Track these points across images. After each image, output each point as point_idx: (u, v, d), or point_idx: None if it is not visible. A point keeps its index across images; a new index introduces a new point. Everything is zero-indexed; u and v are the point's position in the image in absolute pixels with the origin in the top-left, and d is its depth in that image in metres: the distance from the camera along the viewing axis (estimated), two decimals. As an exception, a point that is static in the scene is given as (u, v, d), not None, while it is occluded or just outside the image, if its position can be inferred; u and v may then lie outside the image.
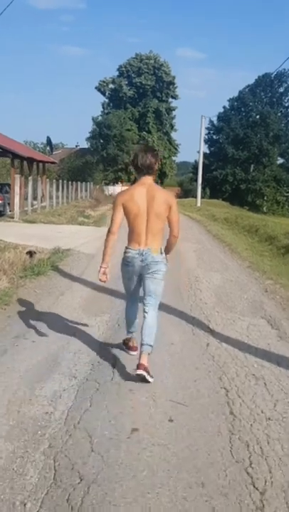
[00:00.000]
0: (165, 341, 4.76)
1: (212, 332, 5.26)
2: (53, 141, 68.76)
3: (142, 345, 3.77)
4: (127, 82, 56.66)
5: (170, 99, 58.80)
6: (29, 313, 5.64)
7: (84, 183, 35.92)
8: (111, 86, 57.13)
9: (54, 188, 23.52)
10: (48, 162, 27.01)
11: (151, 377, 3.67)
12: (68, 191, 29.14)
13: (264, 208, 58.32)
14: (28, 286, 6.90)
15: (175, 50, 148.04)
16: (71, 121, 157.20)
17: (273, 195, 60.14)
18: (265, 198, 60.20)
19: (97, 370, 3.98)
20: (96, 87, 57.05)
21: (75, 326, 5.23)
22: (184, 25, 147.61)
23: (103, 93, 57.67)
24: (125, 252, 4.16)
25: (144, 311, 4.03)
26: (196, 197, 38.26)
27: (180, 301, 6.55)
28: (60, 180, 25.86)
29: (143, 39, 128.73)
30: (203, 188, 43.66)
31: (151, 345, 3.77)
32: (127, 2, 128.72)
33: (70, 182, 30.18)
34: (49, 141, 31.45)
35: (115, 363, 4.13)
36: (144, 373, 3.62)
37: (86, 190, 36.26)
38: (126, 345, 4.42)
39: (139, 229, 3.97)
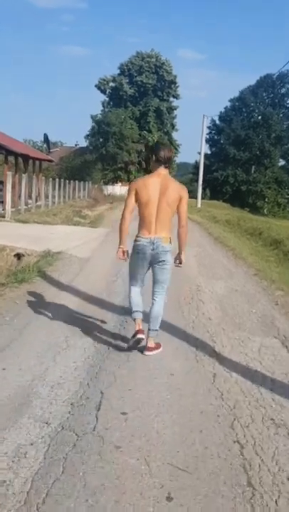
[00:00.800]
0: (164, 371, 3.95)
1: (218, 357, 4.45)
2: (53, 140, 68.12)
3: (149, 330, 4.33)
4: (128, 81, 55.83)
5: (171, 99, 57.94)
6: (2, 331, 4.82)
7: (82, 182, 35.08)
8: (111, 84, 56.26)
9: (50, 186, 22.69)
10: (44, 160, 26.16)
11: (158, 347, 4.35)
12: (65, 190, 28.32)
13: (265, 210, 57.58)
14: (8, 296, 6.07)
15: (176, 51, 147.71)
16: (71, 120, 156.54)
17: (274, 197, 59.40)
18: (266, 200, 59.47)
19: (77, 412, 3.16)
20: (96, 85, 56.18)
21: (57, 348, 4.41)
22: (184, 27, 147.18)
23: (103, 91, 56.81)
24: (136, 241, 4.31)
25: (153, 299, 4.45)
26: (196, 198, 37.44)
27: (180, 316, 5.74)
28: (57, 179, 25.00)
29: (143, 39, 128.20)
30: (203, 189, 42.86)
31: (157, 330, 4.38)
32: (128, 2, 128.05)
33: (67, 181, 29.36)
34: (46, 139, 30.55)
35: (100, 402, 3.31)
36: (151, 353, 4.24)
37: (84, 190, 35.44)
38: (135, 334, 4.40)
39: (149, 216, 4.17)
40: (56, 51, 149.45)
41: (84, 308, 5.79)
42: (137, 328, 4.31)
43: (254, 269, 9.33)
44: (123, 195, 47.24)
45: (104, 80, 56.16)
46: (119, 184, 52.16)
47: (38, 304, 5.90)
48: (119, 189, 49.64)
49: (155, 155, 4.23)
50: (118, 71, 56.66)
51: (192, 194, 44.19)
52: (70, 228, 14.78)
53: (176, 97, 58.05)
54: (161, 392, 3.52)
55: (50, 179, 23.13)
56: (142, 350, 4.36)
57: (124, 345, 4.52)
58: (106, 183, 47.73)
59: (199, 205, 35.51)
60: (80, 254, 9.83)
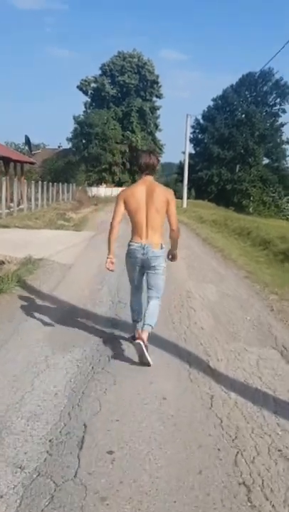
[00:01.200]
0: (155, 394, 3.53)
1: (214, 373, 4.05)
2: (36, 142, 67.37)
3: (143, 324, 4.26)
4: (110, 81, 55.35)
5: (154, 98, 57.58)
6: (-24, 351, 4.37)
7: (66, 184, 34.54)
8: (93, 85, 55.71)
9: (33, 189, 22.15)
10: (26, 162, 25.58)
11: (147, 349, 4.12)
12: (49, 193, 27.78)
13: (250, 209, 57.38)
14: (-16, 310, 5.62)
15: (159, 52, 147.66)
16: (54, 122, 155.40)
17: (259, 195, 59.22)
18: (252, 199, 59.26)
19: (56, 452, 2.72)
20: (78, 86, 55.55)
21: (35, 369, 3.97)
22: (166, 28, 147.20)
23: (85, 92, 56.20)
24: (129, 245, 4.40)
25: (148, 300, 4.43)
26: (181, 198, 37.10)
27: (171, 327, 5.33)
28: (40, 182, 24.47)
29: (126, 41, 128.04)
30: (188, 189, 42.55)
31: (151, 325, 4.24)
32: (110, 4, 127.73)
33: (51, 183, 28.83)
34: (27, 141, 29.89)
35: (83, 438, 2.88)
36: (142, 345, 4.05)
37: (68, 192, 34.90)
38: (132, 338, 4.44)
39: (140, 223, 4.24)
40: (38, 53, 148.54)
41: (66, 322, 5.34)
42: (137, 335, 4.20)
43: (245, 271, 8.96)
44: (108, 196, 46.83)
45: (85, 80, 55.57)
46: (104, 185, 51.69)
47: (17, 319, 5.44)
48: (103, 190, 49.17)
49: (136, 164, 4.37)
50: (100, 72, 56.21)
51: (177, 194, 43.89)
52: (53, 232, 14.30)
53: (159, 96, 57.73)
54: (152, 422, 3.10)
55: (33, 182, 22.56)
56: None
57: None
58: (90, 185, 47.20)
59: (185, 206, 35.18)
60: (62, 260, 9.37)
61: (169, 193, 4.33)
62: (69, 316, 5.58)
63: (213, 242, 13.28)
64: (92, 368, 4.01)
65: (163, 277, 4.45)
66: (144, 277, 4.49)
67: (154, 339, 4.56)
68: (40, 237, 12.80)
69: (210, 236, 14.46)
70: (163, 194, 4.25)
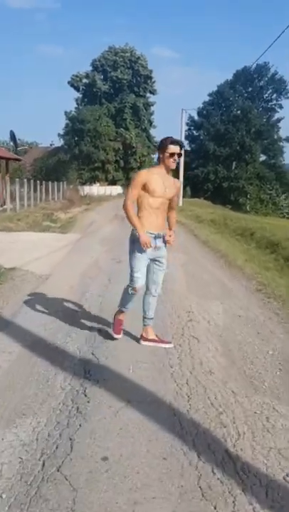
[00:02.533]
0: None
1: (236, 467, 2.58)
2: (29, 140, 65.92)
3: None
4: (102, 77, 53.80)
5: (148, 94, 56.11)
6: None
7: (57, 183, 33.00)
8: (85, 81, 54.15)
9: (17, 188, 20.60)
10: (10, 159, 23.98)
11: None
12: (38, 192, 26.27)
13: (247, 207, 56.06)
14: None
15: (151, 49, 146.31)
16: (47, 120, 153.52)
17: (257, 193, 57.90)
18: (248, 197, 57.93)
19: None
20: (69, 82, 54.02)
21: None
22: (159, 25, 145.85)
23: (76, 88, 54.66)
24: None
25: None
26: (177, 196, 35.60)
27: (167, 371, 3.84)
28: (26, 180, 22.93)
29: (118, 38, 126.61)
30: (184, 187, 41.09)
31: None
32: (102, 2, 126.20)
33: (40, 182, 27.32)
34: (13, 136, 28.19)
35: None
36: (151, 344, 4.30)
37: (59, 191, 33.35)
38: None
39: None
40: (30, 51, 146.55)
41: (18, 370, 3.84)
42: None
43: (255, 282, 7.50)
44: (101, 195, 45.33)
45: (77, 76, 54.04)
46: (97, 184, 50.14)
47: None
48: (96, 189, 47.65)
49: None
50: (91, 67, 54.63)
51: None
52: (35, 235, 12.79)
53: (152, 92, 56.28)
54: None
55: (17, 180, 21.00)
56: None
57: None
58: (83, 184, 45.67)
59: (181, 204, 33.70)
60: (38, 269, 7.88)
61: (177, 182, 4.37)
62: (26, 359, 4.07)
63: (214, 244, 11.82)
64: (43, 465, 2.52)
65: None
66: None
67: (144, 396, 3.12)
68: (18, 241, 11.31)
69: (210, 238, 12.98)
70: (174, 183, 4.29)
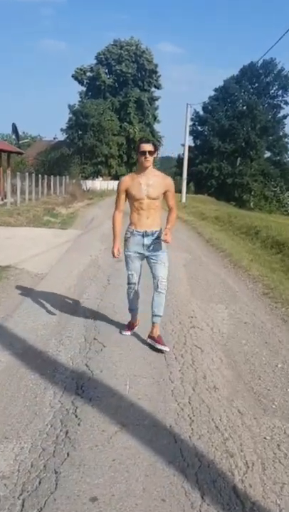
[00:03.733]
0: None
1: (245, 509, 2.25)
2: (32, 134, 65.41)
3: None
4: (106, 70, 53.22)
5: (152, 89, 55.49)
6: None
7: (59, 177, 32.59)
8: (89, 74, 53.56)
9: (18, 181, 20.22)
10: (12, 152, 23.58)
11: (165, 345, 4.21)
12: (40, 186, 25.89)
13: (251, 204, 55.62)
14: None
15: (156, 46, 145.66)
16: (51, 115, 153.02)
17: (261, 190, 57.39)
18: (253, 193, 57.45)
19: None
20: (72, 75, 53.41)
21: None
22: (164, 21, 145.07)
23: (80, 82, 54.07)
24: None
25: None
26: (180, 192, 35.25)
27: (168, 388, 3.49)
28: (27, 174, 22.54)
29: (123, 34, 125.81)
30: (187, 183, 40.66)
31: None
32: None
33: (42, 176, 26.95)
34: (15, 129, 27.67)
35: None
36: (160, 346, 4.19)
37: (61, 185, 32.94)
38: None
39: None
40: (36, 45, 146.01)
41: (3, 385, 3.51)
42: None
43: (262, 284, 7.15)
44: (104, 190, 44.91)
45: (81, 69, 53.45)
46: (100, 179, 49.70)
47: None
48: (99, 184, 47.22)
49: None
50: (95, 61, 54.01)
51: (176, 188, 41.96)
52: (34, 231, 12.45)
53: (157, 86, 55.68)
54: None
55: (18, 173, 20.61)
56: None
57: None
58: (86, 178, 45.23)
59: (184, 200, 33.31)
60: (35, 268, 7.55)
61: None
62: (14, 370, 3.73)
63: (218, 243, 11.45)
64: (22, 505, 2.18)
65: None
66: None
67: (140, 418, 2.78)
68: (16, 236, 10.97)
69: (214, 236, 12.60)
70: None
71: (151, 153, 4.16)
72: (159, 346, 4.19)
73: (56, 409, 3.06)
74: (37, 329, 4.64)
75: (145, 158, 4.14)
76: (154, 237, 4.30)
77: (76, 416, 2.95)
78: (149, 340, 4.32)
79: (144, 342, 4.36)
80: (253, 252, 11.04)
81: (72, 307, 5.46)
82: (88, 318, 5.05)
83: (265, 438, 2.93)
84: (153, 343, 4.24)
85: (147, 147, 4.15)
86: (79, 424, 2.85)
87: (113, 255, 4.48)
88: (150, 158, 4.17)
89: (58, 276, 7.13)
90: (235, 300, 6.29)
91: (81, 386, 3.38)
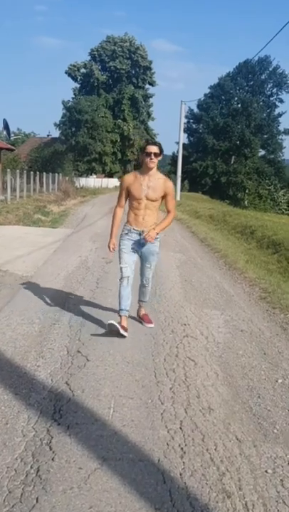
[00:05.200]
0: None
1: None
2: (26, 131, 64.81)
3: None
4: (100, 67, 52.66)
5: (147, 86, 55.02)
6: None
7: (52, 174, 32.12)
8: (83, 71, 53.00)
9: (9, 178, 19.75)
10: (2, 148, 23.07)
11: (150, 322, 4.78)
12: (31, 183, 25.43)
13: (245, 202, 55.26)
14: None
15: (151, 42, 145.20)
16: (45, 111, 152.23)
17: (255, 188, 57.06)
18: (247, 192, 57.13)
19: None
20: (66, 72, 52.81)
21: None
22: (159, 18, 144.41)
23: (74, 78, 53.50)
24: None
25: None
26: (174, 191, 34.86)
27: (157, 411, 3.10)
28: (18, 171, 22.08)
29: (118, 31, 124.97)
30: (182, 181, 40.29)
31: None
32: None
33: (33, 173, 26.50)
34: (6, 125, 27.11)
35: None
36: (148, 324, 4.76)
37: (54, 183, 32.47)
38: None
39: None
40: (31, 41, 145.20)
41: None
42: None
43: (259, 288, 6.80)
44: (97, 187, 44.46)
45: (74, 66, 52.88)
46: (94, 176, 49.25)
47: None
48: (93, 181, 46.77)
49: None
50: (89, 57, 53.44)
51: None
52: (23, 230, 12.03)
53: (152, 83, 55.20)
54: None
55: (8, 170, 20.15)
56: None
57: None
58: (80, 175, 44.78)
59: (178, 198, 32.95)
60: (20, 270, 7.16)
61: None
62: (-10, 384, 3.35)
63: (212, 243, 11.09)
64: None
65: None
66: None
67: (124, 461, 2.40)
68: (2, 236, 10.56)
69: (209, 236, 12.24)
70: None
71: (156, 155, 4.30)
72: (147, 325, 4.72)
73: (29, 439, 2.67)
74: (16, 340, 4.25)
75: (150, 159, 4.28)
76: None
77: (50, 448, 2.56)
78: (138, 318, 4.81)
79: (132, 356, 3.98)
80: (248, 253, 10.71)
81: (56, 314, 5.06)
82: (73, 327, 4.67)
83: (266, 472, 2.57)
84: (141, 321, 4.77)
85: (153, 149, 4.29)
86: (53, 459, 2.46)
87: (109, 249, 4.60)
88: (155, 160, 4.31)
89: (44, 278, 6.74)
90: (231, 305, 5.92)
91: (59, 409, 3.00)
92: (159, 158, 4.36)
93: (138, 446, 2.63)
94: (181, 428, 2.91)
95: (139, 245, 4.46)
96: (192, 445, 2.74)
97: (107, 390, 3.27)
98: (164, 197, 4.43)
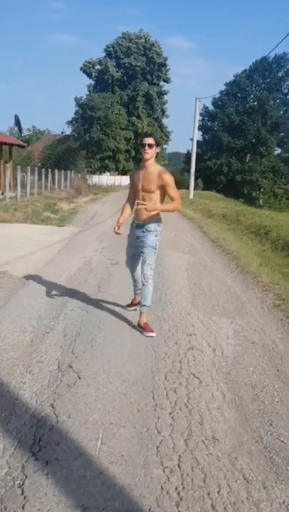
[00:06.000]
0: None
1: None
2: (41, 129, 64.68)
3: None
4: (114, 64, 52.28)
5: (161, 83, 54.51)
6: None
7: (64, 171, 31.85)
8: (97, 67, 52.67)
9: (19, 175, 19.47)
10: (14, 145, 22.80)
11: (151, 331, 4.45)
12: (42, 180, 25.16)
13: (260, 201, 54.51)
14: None
15: (166, 40, 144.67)
16: (60, 109, 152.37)
17: (271, 187, 56.29)
18: (262, 191, 56.35)
19: None
20: (81, 68, 52.55)
21: None
22: (174, 16, 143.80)
23: (89, 75, 53.23)
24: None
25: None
26: (188, 188, 34.38)
27: (151, 442, 2.71)
28: (28, 168, 21.78)
29: (133, 28, 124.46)
30: (195, 179, 39.76)
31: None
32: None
33: (46, 170, 26.24)
34: (17, 121, 26.76)
35: None
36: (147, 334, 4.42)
37: (66, 180, 32.19)
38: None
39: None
40: (46, 39, 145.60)
41: None
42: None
43: (273, 294, 6.34)
44: (110, 185, 44.05)
45: (89, 62, 52.59)
46: (108, 174, 48.88)
47: None
48: (106, 179, 46.39)
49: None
50: (104, 54, 53.09)
51: (184, 184, 41.13)
52: (29, 228, 11.69)
53: (166, 80, 54.69)
54: None
55: (18, 167, 19.86)
56: None
57: None
58: (93, 173, 44.45)
59: (191, 197, 32.46)
60: (19, 271, 6.80)
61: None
62: None
63: (224, 244, 10.63)
64: None
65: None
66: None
67: (106, 508, 2.00)
68: (7, 234, 10.23)
69: (221, 236, 11.76)
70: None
71: (151, 146, 4.32)
72: (147, 334, 4.41)
73: (0, 477, 2.29)
74: (4, 351, 3.88)
75: (144, 150, 4.32)
76: (143, 230, 4.46)
77: (22, 492, 2.17)
78: (139, 328, 4.53)
79: (128, 373, 3.58)
80: (262, 255, 10.24)
81: (51, 322, 4.68)
82: (67, 336, 4.28)
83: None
84: (141, 331, 4.47)
85: (147, 140, 4.33)
86: (23, 507, 2.07)
87: (115, 231, 4.69)
88: (149, 151, 4.31)
89: (43, 281, 6.36)
90: (242, 313, 5.49)
91: (39, 439, 2.61)
92: (156, 150, 4.39)
93: (126, 490, 2.23)
94: (179, 465, 2.50)
95: (138, 239, 4.51)
96: (191, 488, 2.33)
97: (97, 416, 2.87)
98: (164, 189, 4.38)
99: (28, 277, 6.50)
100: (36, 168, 23.06)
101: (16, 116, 27.19)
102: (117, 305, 5.32)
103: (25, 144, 28.35)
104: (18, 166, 19.56)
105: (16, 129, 27.68)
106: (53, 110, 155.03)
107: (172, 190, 4.41)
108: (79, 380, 3.35)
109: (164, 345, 4.21)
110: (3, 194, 19.49)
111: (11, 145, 22.29)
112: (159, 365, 3.76)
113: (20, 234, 10.45)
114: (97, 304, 5.37)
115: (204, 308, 5.55)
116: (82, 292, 5.84)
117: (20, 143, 24.59)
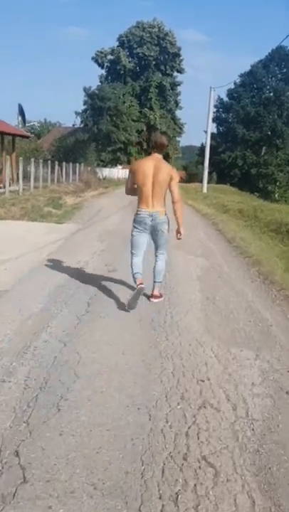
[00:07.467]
0: None
1: None
2: (52, 121, 63.62)
3: (154, 282, 5.05)
4: (127, 53, 50.86)
5: (175, 73, 52.95)
6: None
7: (72, 164, 30.70)
8: (110, 57, 51.29)
9: (20, 168, 18.32)
10: (16, 135, 21.61)
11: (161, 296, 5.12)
12: (48, 173, 24.05)
13: (276, 195, 52.86)
14: None
15: (181, 32, 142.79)
16: (71, 100, 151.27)
17: (287, 180, 54.61)
18: (278, 184, 54.68)
19: None
20: (93, 58, 51.20)
21: None
22: (188, 8, 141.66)
23: (101, 65, 51.88)
24: (138, 213, 4.83)
25: (156, 260, 5.03)
26: (201, 181, 32.99)
27: None
28: (33, 160, 20.63)
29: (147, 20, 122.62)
30: (209, 172, 38.32)
31: (160, 282, 5.14)
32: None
33: (52, 162, 25.13)
34: (21, 110, 25.47)
35: None
36: (156, 300, 5.03)
37: (75, 173, 31.04)
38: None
39: (147, 194, 4.74)
40: (57, 32, 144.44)
41: None
42: (138, 283, 4.70)
43: (306, 313, 5.06)
44: (121, 179, 42.73)
45: (101, 52, 51.22)
46: (120, 167, 47.56)
47: None
48: (117, 172, 45.14)
49: (150, 141, 5.12)
50: (117, 43, 51.65)
51: (198, 178, 39.58)
52: (23, 225, 10.51)
53: (180, 71, 53.13)
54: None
55: (20, 159, 18.71)
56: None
57: None
58: (104, 166, 43.22)
59: (205, 190, 31.08)
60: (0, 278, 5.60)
61: (172, 171, 4.82)
62: None
63: (242, 244, 9.33)
64: None
65: (167, 235, 4.92)
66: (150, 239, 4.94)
67: None
68: (-3, 233, 9.05)
69: (238, 236, 10.43)
70: (166, 171, 4.72)
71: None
72: (153, 300, 5.03)
73: None
74: None
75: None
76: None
77: None
78: (156, 300, 5.04)
79: (103, 472, 2.32)
80: (285, 256, 8.94)
81: (13, 361, 3.46)
82: (28, 389, 3.05)
83: None
84: (156, 300, 5.02)
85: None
86: None
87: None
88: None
89: (21, 294, 5.17)
90: (270, 342, 4.23)
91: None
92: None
93: None
94: None
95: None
96: None
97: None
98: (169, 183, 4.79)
99: (5, 290, 5.29)
100: (41, 161, 21.87)
101: (19, 105, 25.97)
102: (105, 333, 4.10)
103: (30, 135, 27.16)
104: (21, 158, 18.38)
105: (20, 118, 26.43)
106: (64, 102, 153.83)
107: (176, 184, 4.82)
108: (22, 486, 2.11)
109: (164, 405, 2.96)
110: (4, 187, 18.38)
111: (13, 135, 21.08)
112: (153, 446, 2.51)
113: (11, 233, 9.27)
114: (80, 331, 4.14)
115: (220, 335, 4.30)
116: (63, 313, 4.61)
117: (24, 133, 23.40)
